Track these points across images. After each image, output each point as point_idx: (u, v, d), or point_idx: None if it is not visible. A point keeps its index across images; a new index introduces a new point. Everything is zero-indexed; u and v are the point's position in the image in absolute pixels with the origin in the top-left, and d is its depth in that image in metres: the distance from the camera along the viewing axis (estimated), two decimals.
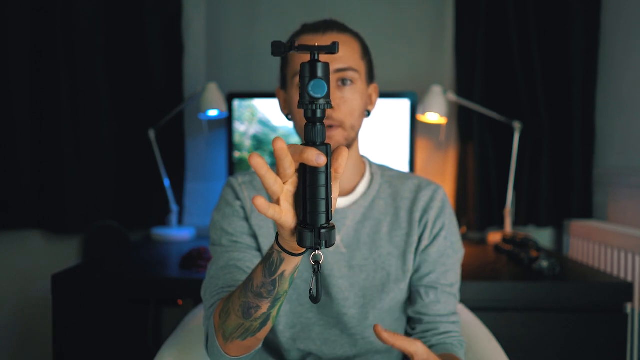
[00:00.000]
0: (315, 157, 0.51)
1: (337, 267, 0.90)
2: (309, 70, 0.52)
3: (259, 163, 0.51)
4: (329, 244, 0.53)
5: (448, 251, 0.92)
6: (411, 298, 0.93)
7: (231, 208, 0.91)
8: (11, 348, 1.92)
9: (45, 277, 1.58)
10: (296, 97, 0.87)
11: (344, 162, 0.53)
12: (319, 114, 0.52)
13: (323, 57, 0.55)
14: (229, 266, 0.85)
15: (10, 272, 1.92)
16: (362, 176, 0.96)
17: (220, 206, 0.93)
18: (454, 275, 0.92)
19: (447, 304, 0.90)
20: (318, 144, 0.53)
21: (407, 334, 0.94)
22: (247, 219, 0.91)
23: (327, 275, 0.90)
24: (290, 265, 0.62)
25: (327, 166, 0.52)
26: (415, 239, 0.91)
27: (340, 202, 0.94)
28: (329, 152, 0.53)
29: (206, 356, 1.01)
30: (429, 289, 0.90)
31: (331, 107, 0.53)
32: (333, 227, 0.54)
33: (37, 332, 1.90)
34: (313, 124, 0.53)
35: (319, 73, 0.51)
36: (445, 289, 0.90)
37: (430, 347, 0.88)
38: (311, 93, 0.51)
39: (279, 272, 0.62)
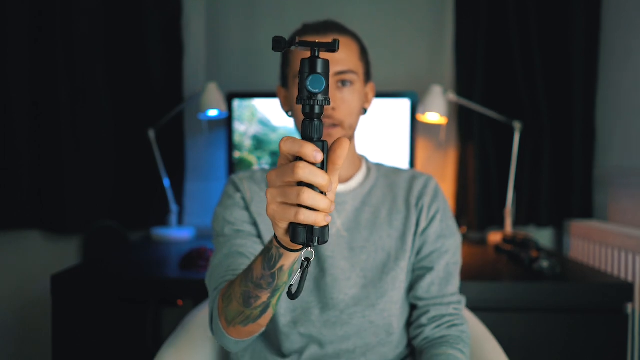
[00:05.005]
0: (313, 154, 0.51)
1: (338, 249, 0.94)
2: (309, 66, 0.52)
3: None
4: (322, 241, 0.54)
5: (445, 232, 0.97)
6: (412, 284, 0.97)
7: (232, 200, 0.96)
8: (11, 348, 1.92)
9: (44, 277, 1.58)
10: (297, 94, 0.89)
11: (343, 154, 0.53)
12: (317, 109, 0.52)
13: (324, 56, 0.55)
14: (232, 253, 0.88)
15: (9, 272, 1.92)
16: (358, 169, 1.02)
17: (222, 200, 0.98)
18: (452, 257, 0.96)
19: (442, 286, 0.94)
20: (315, 140, 0.53)
21: (410, 323, 0.97)
22: (247, 208, 0.95)
23: (328, 256, 0.93)
24: (289, 260, 0.63)
25: (324, 163, 0.53)
26: (413, 221, 0.96)
27: (339, 188, 0.98)
28: (326, 148, 0.53)
29: (205, 357, 1.02)
30: (427, 270, 0.95)
31: (329, 103, 0.53)
32: (326, 224, 0.54)
33: (36, 332, 1.90)
34: (311, 120, 0.53)
35: (319, 69, 0.51)
36: (441, 273, 0.94)
37: (424, 341, 0.93)
38: (309, 88, 0.51)
39: (278, 266, 0.64)
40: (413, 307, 0.97)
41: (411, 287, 0.96)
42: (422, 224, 0.96)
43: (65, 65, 1.80)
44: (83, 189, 1.84)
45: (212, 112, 1.81)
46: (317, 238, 0.53)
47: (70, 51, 1.81)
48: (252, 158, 1.82)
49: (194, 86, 1.98)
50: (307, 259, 0.57)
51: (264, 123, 1.81)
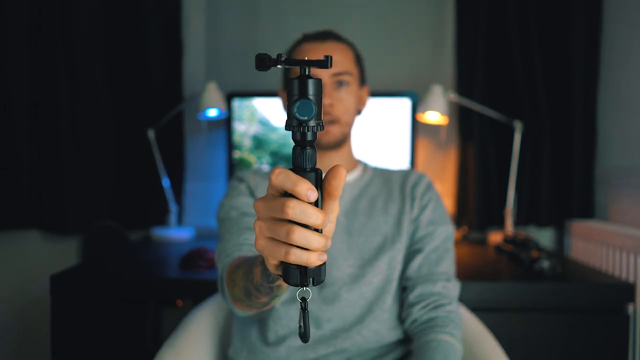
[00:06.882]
0: (307, 193, 0.45)
1: (336, 232, 0.99)
2: (298, 89, 0.46)
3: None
4: (317, 281, 0.48)
5: (437, 219, 1.03)
6: (404, 268, 1.00)
7: (237, 189, 1.02)
8: (10, 348, 1.92)
9: (44, 278, 1.57)
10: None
11: (339, 185, 0.47)
12: (309, 137, 0.46)
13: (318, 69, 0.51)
14: (240, 229, 0.92)
15: (9, 272, 1.92)
16: (355, 167, 1.09)
17: (227, 193, 1.03)
18: (443, 243, 1.01)
19: (431, 266, 0.97)
20: (308, 170, 0.47)
21: (401, 307, 0.99)
22: (252, 194, 1.01)
23: None
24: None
25: (318, 199, 0.47)
26: (407, 208, 1.02)
27: None
28: (319, 178, 0.48)
29: (205, 357, 1.02)
30: (417, 252, 0.99)
31: (322, 128, 0.47)
32: (322, 263, 0.48)
33: (36, 332, 1.90)
34: (302, 147, 0.47)
35: (309, 91, 0.45)
36: (431, 255, 0.98)
37: (413, 324, 0.94)
38: (297, 115, 0.46)
39: (276, 284, 0.62)
40: (404, 290, 0.99)
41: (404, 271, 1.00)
42: (415, 211, 1.02)
43: (65, 65, 1.80)
44: (83, 189, 1.84)
45: (212, 112, 1.81)
46: (311, 279, 0.48)
47: (70, 51, 1.81)
48: (252, 158, 1.82)
49: (194, 86, 1.97)
50: (304, 299, 0.52)
51: (264, 123, 1.81)
